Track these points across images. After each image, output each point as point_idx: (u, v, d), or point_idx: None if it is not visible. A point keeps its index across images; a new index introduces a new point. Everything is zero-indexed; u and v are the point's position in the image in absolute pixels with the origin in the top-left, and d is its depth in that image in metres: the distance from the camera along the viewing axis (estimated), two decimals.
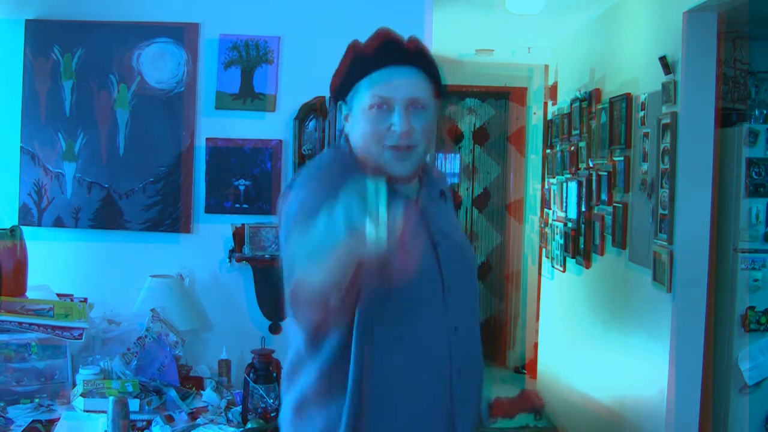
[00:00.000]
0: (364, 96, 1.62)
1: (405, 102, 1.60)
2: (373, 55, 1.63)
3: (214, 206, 3.44)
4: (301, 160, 3.42)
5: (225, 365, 3.14)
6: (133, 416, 2.52)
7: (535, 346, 6.15)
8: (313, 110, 3.41)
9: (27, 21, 3.41)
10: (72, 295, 3.13)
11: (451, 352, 1.64)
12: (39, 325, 2.77)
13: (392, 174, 1.62)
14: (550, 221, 5.71)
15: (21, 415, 2.59)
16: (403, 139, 1.60)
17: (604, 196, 4.37)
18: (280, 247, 1.69)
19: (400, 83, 1.61)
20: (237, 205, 3.44)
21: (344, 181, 1.47)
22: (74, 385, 2.77)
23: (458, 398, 1.65)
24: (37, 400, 2.70)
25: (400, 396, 1.60)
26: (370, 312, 1.55)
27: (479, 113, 7.01)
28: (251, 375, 2.67)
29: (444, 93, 1.71)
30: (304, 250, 1.43)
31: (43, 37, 3.41)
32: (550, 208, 5.76)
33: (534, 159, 6.54)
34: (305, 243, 1.42)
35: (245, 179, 3.44)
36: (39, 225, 3.42)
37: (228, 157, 3.43)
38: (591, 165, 4.66)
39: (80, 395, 2.66)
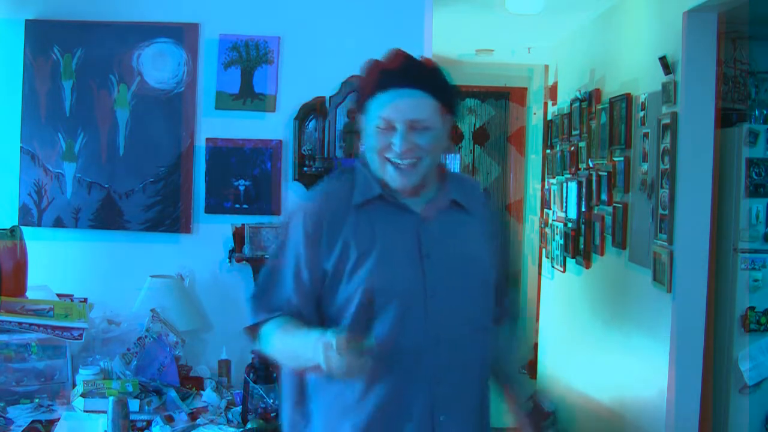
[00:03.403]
0: (372, 116, 1.72)
1: (406, 124, 1.68)
2: (380, 77, 1.72)
3: (214, 206, 3.44)
4: (301, 160, 3.42)
5: (225, 365, 3.14)
6: (133, 416, 2.52)
7: (535, 346, 6.14)
8: (313, 110, 3.41)
9: (27, 21, 3.40)
10: (72, 295, 3.12)
11: (433, 363, 1.69)
12: (39, 326, 2.76)
13: (394, 187, 1.73)
14: (550, 221, 5.71)
15: (21, 415, 2.59)
16: (404, 157, 1.69)
17: (604, 197, 4.37)
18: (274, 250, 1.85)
19: (403, 106, 1.68)
20: (237, 205, 3.44)
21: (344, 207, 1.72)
22: (74, 385, 2.76)
23: (441, 403, 1.70)
24: (37, 401, 2.69)
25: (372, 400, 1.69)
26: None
27: (479, 113, 7.01)
28: (251, 375, 2.67)
29: (455, 107, 1.77)
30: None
31: (43, 37, 3.40)
32: (550, 208, 5.76)
33: (534, 159, 6.53)
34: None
35: (245, 179, 3.43)
36: (39, 225, 3.42)
37: (228, 157, 3.43)
38: (591, 165, 4.65)
39: (80, 395, 2.65)
